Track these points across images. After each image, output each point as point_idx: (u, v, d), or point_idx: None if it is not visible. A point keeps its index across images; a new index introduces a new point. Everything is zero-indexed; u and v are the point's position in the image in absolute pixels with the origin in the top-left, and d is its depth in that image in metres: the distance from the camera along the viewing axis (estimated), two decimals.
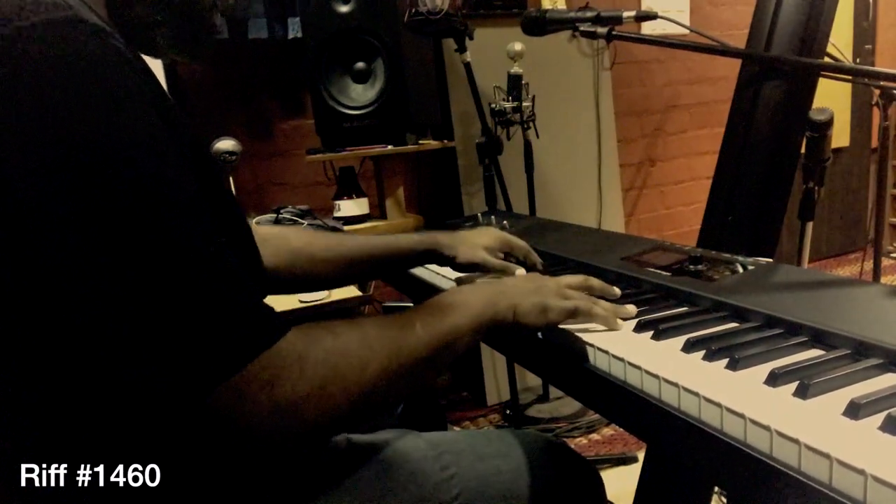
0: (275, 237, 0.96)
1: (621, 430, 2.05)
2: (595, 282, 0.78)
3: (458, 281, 0.98)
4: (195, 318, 0.50)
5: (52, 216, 0.47)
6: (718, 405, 0.52)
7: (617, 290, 0.79)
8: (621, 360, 0.63)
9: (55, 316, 0.49)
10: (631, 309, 0.74)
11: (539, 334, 0.75)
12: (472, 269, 0.96)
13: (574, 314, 0.71)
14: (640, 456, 1.89)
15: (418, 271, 1.10)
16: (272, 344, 0.53)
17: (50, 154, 0.46)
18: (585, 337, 0.69)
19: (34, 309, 0.49)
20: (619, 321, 0.72)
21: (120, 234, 0.48)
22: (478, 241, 0.95)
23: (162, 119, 0.53)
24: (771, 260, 0.87)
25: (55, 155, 0.46)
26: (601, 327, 0.71)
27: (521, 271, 0.93)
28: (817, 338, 0.63)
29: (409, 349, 0.62)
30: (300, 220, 1.80)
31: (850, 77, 1.42)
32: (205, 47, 0.70)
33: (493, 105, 2.13)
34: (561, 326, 0.72)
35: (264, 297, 0.80)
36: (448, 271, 1.00)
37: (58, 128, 0.46)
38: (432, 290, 1.05)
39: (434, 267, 1.04)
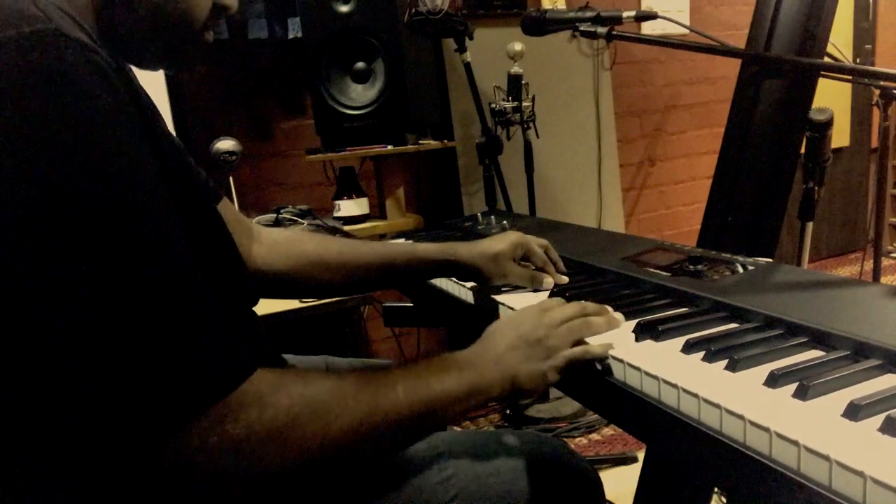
0: (287, 241, 0.95)
1: (621, 430, 2.05)
2: (592, 309, 0.73)
3: (473, 289, 0.96)
4: (157, 353, 0.48)
5: (11, 241, 0.45)
6: (718, 406, 0.52)
7: (620, 318, 0.74)
8: (621, 361, 0.63)
9: (7, 347, 0.47)
10: (619, 317, 0.73)
11: None
12: (501, 286, 0.93)
13: (571, 364, 0.68)
14: (640, 456, 1.89)
15: None
16: (234, 388, 0.51)
17: (20, 169, 0.45)
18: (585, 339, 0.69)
19: None
20: (613, 331, 0.70)
21: (79, 260, 0.46)
22: (497, 250, 0.91)
23: (138, 136, 0.52)
24: (771, 260, 0.87)
25: (25, 170, 0.45)
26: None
27: (548, 281, 0.89)
28: (817, 338, 0.62)
29: (384, 411, 0.58)
30: (300, 220, 1.80)
31: (850, 77, 1.42)
32: (193, 62, 0.68)
33: (493, 105, 2.13)
34: None
35: (255, 303, 0.79)
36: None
37: (31, 142, 0.45)
38: (434, 291, 1.05)
39: None
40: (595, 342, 0.69)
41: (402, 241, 1.33)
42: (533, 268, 0.94)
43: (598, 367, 0.66)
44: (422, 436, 0.64)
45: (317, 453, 0.54)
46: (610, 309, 0.74)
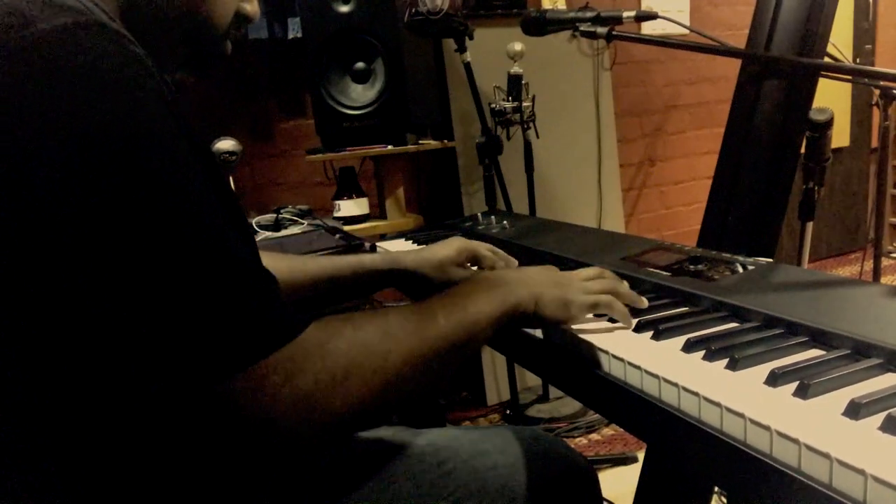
0: None
1: (621, 430, 2.05)
2: (625, 288, 0.76)
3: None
4: (218, 308, 0.50)
5: (69, 216, 0.46)
6: (718, 405, 0.52)
7: (645, 301, 0.76)
8: (621, 360, 0.63)
9: (67, 308, 0.48)
10: (644, 300, 0.75)
11: (540, 335, 0.75)
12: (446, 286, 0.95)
13: (595, 308, 0.72)
14: (640, 456, 1.89)
15: None
16: (295, 335, 0.53)
17: (68, 156, 0.46)
18: (586, 337, 0.69)
19: (44, 305, 0.49)
20: (607, 323, 0.72)
21: (141, 231, 0.48)
22: (442, 256, 0.95)
23: (176, 125, 0.53)
24: (771, 260, 0.87)
25: (73, 157, 0.46)
26: (601, 327, 0.71)
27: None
28: (817, 338, 0.63)
29: (431, 339, 0.61)
30: (300, 220, 1.80)
31: (850, 77, 1.43)
32: (209, 70, 0.70)
33: (493, 105, 2.13)
34: (562, 327, 0.72)
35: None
36: None
37: (77, 131, 0.46)
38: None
39: None
40: (594, 337, 0.69)
41: (401, 239, 1.33)
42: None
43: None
44: (464, 357, 0.66)
45: (378, 391, 0.56)
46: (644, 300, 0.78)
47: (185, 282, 0.49)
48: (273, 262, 0.96)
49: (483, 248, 0.98)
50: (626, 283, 0.78)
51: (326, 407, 0.53)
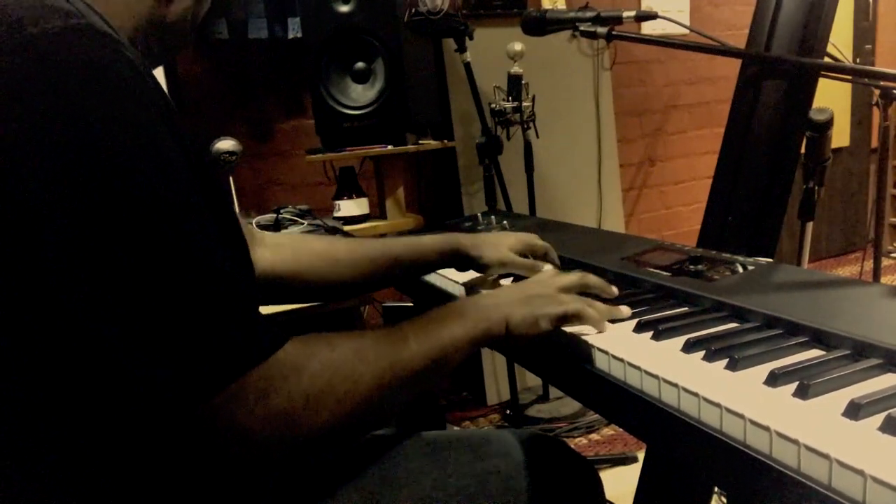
0: (292, 241, 0.96)
1: (621, 430, 2.05)
2: (592, 279, 0.78)
3: (466, 285, 0.97)
4: (194, 326, 0.50)
5: (54, 220, 0.47)
6: (718, 405, 0.52)
7: (614, 290, 0.79)
8: (621, 360, 0.63)
9: (49, 321, 0.49)
10: (625, 310, 0.74)
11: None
12: (498, 270, 0.95)
13: (565, 319, 0.72)
14: (640, 456, 1.89)
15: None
16: (270, 354, 0.53)
17: (56, 159, 0.46)
18: (585, 338, 0.69)
19: (27, 316, 0.49)
20: (608, 324, 0.72)
21: (122, 242, 0.48)
22: (502, 242, 0.95)
23: (168, 129, 0.54)
24: (771, 260, 0.87)
25: (61, 160, 0.46)
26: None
27: (548, 268, 0.92)
28: (817, 338, 0.63)
29: (402, 363, 0.62)
30: (300, 220, 1.80)
31: (850, 77, 1.42)
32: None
33: (493, 105, 2.13)
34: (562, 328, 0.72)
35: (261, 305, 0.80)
36: (453, 273, 1.00)
37: (66, 134, 0.47)
38: (433, 290, 1.05)
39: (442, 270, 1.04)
40: (594, 338, 0.69)
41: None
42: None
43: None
44: (435, 381, 0.68)
45: (349, 413, 0.57)
46: (614, 289, 0.79)
47: (160, 295, 0.49)
48: (331, 241, 0.99)
49: (536, 241, 0.97)
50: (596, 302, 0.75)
51: (299, 426, 0.54)
